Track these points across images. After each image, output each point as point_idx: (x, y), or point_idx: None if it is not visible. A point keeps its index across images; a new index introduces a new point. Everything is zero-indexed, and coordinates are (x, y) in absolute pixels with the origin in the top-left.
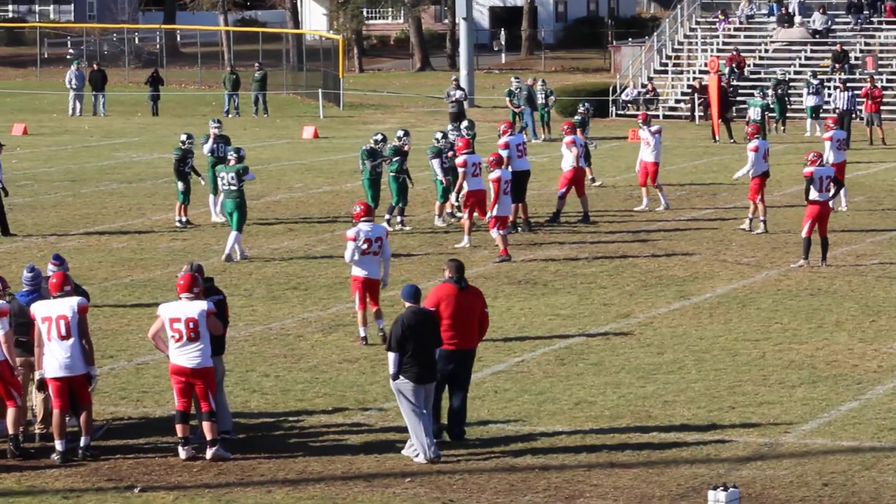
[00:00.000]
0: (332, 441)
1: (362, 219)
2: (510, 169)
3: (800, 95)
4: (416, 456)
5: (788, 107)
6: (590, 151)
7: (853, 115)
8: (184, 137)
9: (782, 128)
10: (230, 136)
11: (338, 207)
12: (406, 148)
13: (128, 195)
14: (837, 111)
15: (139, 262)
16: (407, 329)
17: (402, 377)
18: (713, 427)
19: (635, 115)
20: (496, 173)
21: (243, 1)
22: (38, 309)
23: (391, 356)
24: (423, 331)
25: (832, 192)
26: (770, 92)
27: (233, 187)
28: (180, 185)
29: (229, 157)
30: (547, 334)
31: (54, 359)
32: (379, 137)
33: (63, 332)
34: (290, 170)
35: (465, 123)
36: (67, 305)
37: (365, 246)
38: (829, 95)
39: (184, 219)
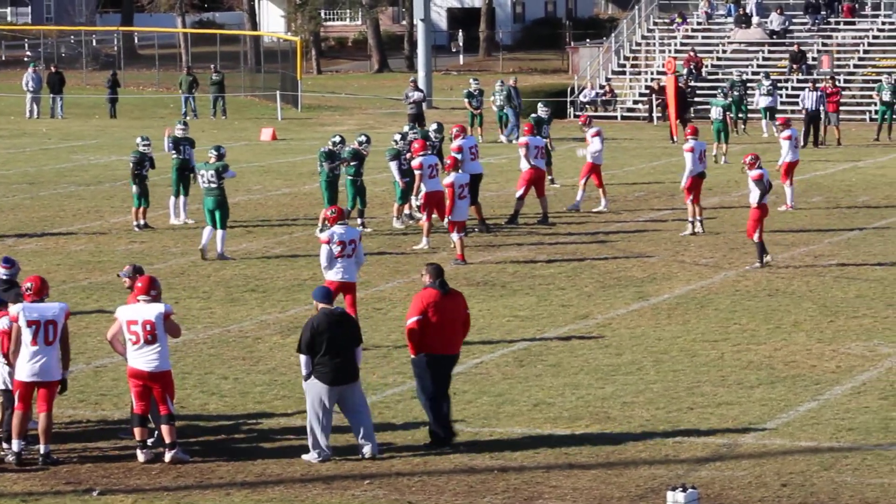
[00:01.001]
0: (291, 443)
1: (336, 222)
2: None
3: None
4: (308, 454)
5: (746, 108)
6: (549, 151)
7: (820, 116)
8: (139, 140)
9: (742, 127)
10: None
11: (296, 209)
12: (365, 153)
13: (86, 198)
14: (806, 111)
15: (97, 265)
16: (315, 331)
17: (314, 378)
18: (672, 428)
19: (594, 116)
20: (450, 178)
21: (201, 3)
22: (25, 313)
23: (301, 358)
24: (337, 332)
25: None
26: (727, 93)
27: (213, 185)
28: (135, 188)
29: (209, 155)
30: (505, 336)
31: (34, 363)
32: (337, 139)
33: (51, 337)
34: (249, 172)
35: (433, 126)
36: (57, 310)
37: (339, 248)
38: (785, 96)
39: (141, 222)
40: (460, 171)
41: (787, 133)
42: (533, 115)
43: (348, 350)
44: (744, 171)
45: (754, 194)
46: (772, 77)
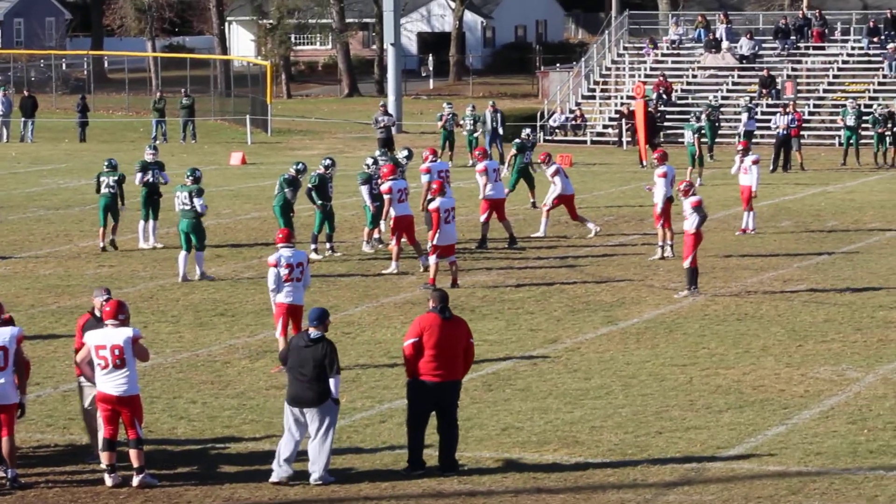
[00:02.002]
0: (259, 468)
1: (282, 244)
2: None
3: (728, 121)
4: (272, 475)
5: (718, 132)
6: (532, 175)
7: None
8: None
9: (711, 154)
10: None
11: (266, 234)
12: (330, 176)
13: (55, 222)
14: (780, 133)
15: (66, 289)
16: (290, 347)
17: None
18: (640, 452)
19: (563, 141)
20: (436, 203)
21: (171, 27)
22: None
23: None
24: (304, 355)
25: None
26: (703, 116)
27: (187, 207)
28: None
29: (186, 179)
30: (474, 360)
31: None
32: (301, 167)
33: (1, 363)
34: (219, 196)
35: (403, 153)
36: (7, 336)
37: (286, 271)
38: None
39: (107, 241)
40: (446, 195)
41: (754, 157)
42: (517, 139)
43: (316, 377)
44: (677, 198)
45: (691, 221)
46: (754, 102)
